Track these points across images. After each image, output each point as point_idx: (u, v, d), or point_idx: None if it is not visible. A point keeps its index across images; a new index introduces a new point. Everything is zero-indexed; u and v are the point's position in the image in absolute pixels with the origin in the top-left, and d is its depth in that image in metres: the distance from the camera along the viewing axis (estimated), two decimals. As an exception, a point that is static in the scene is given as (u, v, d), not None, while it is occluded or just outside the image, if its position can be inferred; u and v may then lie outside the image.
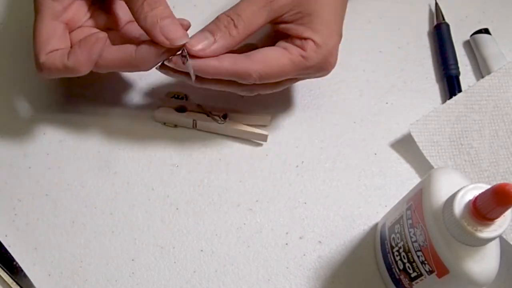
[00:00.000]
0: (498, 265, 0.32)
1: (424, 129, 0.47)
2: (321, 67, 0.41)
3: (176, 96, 0.48)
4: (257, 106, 0.48)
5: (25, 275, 0.40)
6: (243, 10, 0.40)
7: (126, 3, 0.40)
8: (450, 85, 0.50)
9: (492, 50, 0.51)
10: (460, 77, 0.50)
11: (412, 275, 0.36)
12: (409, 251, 0.36)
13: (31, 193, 0.44)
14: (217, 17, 0.40)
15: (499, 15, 0.54)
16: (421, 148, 0.46)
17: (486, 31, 0.52)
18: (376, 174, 0.46)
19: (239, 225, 0.44)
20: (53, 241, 0.42)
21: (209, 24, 0.40)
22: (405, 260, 0.37)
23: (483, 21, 0.54)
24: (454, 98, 0.48)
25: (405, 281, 0.38)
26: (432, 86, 0.51)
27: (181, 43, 0.38)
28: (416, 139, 0.46)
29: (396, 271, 0.39)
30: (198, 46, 0.39)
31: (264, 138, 0.46)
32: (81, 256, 0.42)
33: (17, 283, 0.40)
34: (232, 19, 0.39)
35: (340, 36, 0.42)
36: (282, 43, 0.41)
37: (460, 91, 0.49)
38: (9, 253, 0.41)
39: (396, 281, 0.39)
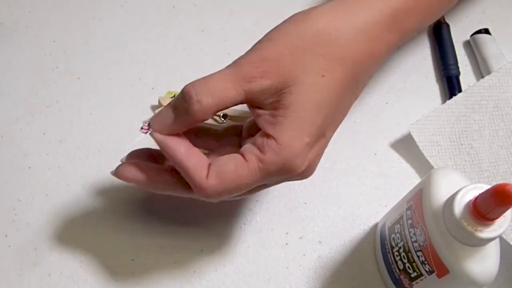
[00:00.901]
0: (498, 265, 0.32)
1: (424, 129, 0.47)
2: (285, 172, 0.34)
3: (175, 96, 0.48)
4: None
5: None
6: (214, 83, 0.34)
7: None
8: (450, 85, 0.50)
9: (492, 50, 0.51)
10: (460, 77, 0.50)
11: (412, 275, 0.36)
12: (409, 251, 0.36)
13: (31, 193, 0.44)
14: (182, 89, 0.34)
15: (499, 15, 0.54)
16: (421, 148, 0.46)
17: (486, 31, 0.52)
18: (376, 174, 0.46)
19: (239, 225, 0.44)
20: (53, 241, 0.42)
21: (175, 97, 0.36)
22: (405, 260, 0.37)
23: (483, 21, 0.54)
24: (454, 98, 0.48)
25: (405, 281, 0.38)
26: (432, 86, 0.51)
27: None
28: (416, 139, 0.46)
29: (396, 271, 0.39)
30: (155, 126, 0.35)
31: None
32: (81, 256, 0.42)
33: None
34: (196, 94, 0.33)
35: (315, 139, 0.35)
36: (245, 145, 0.35)
37: (460, 91, 0.49)
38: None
39: (396, 281, 0.39)
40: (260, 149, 0.34)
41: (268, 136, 0.34)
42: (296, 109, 0.34)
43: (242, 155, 0.34)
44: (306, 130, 0.34)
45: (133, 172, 0.36)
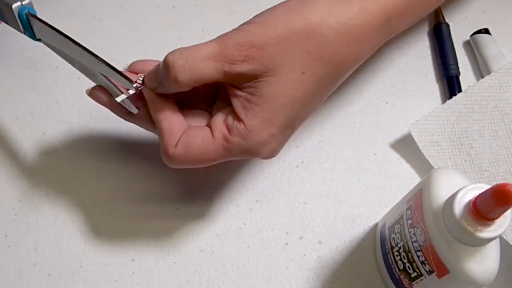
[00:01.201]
0: (498, 265, 0.32)
1: (424, 129, 0.47)
2: (248, 155, 0.36)
3: None
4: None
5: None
6: (195, 59, 0.34)
7: None
8: (450, 85, 0.50)
9: (492, 50, 0.51)
10: (460, 77, 0.50)
11: (412, 275, 0.36)
12: (409, 251, 0.36)
13: (31, 193, 0.44)
14: (165, 57, 0.35)
15: (499, 15, 0.54)
16: (421, 148, 0.46)
17: (486, 31, 0.52)
18: (376, 174, 0.46)
19: (239, 225, 0.44)
20: (53, 241, 0.42)
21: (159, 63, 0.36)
22: (405, 260, 0.37)
23: (483, 21, 0.54)
24: (454, 98, 0.48)
25: (405, 281, 0.38)
26: (432, 86, 0.51)
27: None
28: (416, 139, 0.46)
29: (396, 271, 0.39)
30: (148, 84, 0.36)
31: None
32: (81, 256, 0.42)
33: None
34: (174, 68, 0.34)
35: (283, 130, 0.36)
36: (215, 118, 0.36)
37: (460, 91, 0.49)
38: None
39: (396, 281, 0.39)
40: (229, 129, 0.35)
41: (238, 119, 0.35)
42: (270, 101, 0.34)
43: (211, 129, 0.36)
44: (276, 122, 0.35)
45: (102, 96, 0.39)
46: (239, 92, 0.35)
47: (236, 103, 0.35)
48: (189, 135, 0.36)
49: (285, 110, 0.35)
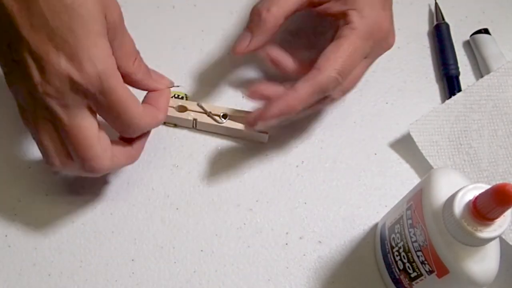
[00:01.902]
0: (498, 265, 0.32)
1: (423, 129, 0.47)
2: (374, 33, 0.41)
3: (176, 96, 0.48)
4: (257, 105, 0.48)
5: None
6: None
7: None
8: (450, 85, 0.50)
9: (491, 50, 0.51)
10: (460, 77, 0.50)
11: (412, 275, 0.36)
12: (409, 251, 0.36)
13: (31, 193, 0.44)
14: (251, 10, 0.41)
15: (499, 15, 0.54)
16: (420, 148, 0.46)
17: (486, 31, 0.52)
18: (376, 174, 0.46)
19: (239, 225, 0.44)
20: (53, 241, 0.42)
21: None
22: (405, 260, 0.37)
23: (483, 21, 0.54)
24: (453, 98, 0.48)
25: (405, 281, 0.38)
26: (432, 86, 0.51)
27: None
28: (415, 139, 0.46)
29: (396, 271, 0.39)
30: (239, 49, 0.42)
31: (264, 138, 0.46)
32: (81, 256, 0.42)
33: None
34: (263, 6, 0.41)
35: (384, 6, 0.42)
36: (336, 36, 0.41)
37: (460, 91, 0.49)
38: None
39: (396, 281, 0.39)
40: (348, 23, 0.40)
41: (346, 12, 0.41)
42: None
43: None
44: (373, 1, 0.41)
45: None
46: (329, 4, 0.42)
47: (333, 8, 0.41)
48: (325, 55, 0.40)
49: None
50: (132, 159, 0.40)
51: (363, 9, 0.40)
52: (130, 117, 0.37)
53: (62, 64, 0.33)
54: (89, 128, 0.35)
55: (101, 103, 0.35)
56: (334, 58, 0.39)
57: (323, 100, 0.41)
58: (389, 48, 0.44)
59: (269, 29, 0.41)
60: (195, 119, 0.46)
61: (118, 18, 0.36)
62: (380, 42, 0.42)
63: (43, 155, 0.37)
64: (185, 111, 0.46)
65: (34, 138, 0.37)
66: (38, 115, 0.35)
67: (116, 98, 0.35)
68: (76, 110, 0.34)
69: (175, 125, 0.47)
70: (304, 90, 0.39)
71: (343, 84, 0.40)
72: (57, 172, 0.38)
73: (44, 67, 0.33)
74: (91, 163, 0.36)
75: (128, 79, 0.39)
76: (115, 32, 0.36)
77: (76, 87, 0.33)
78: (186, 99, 0.48)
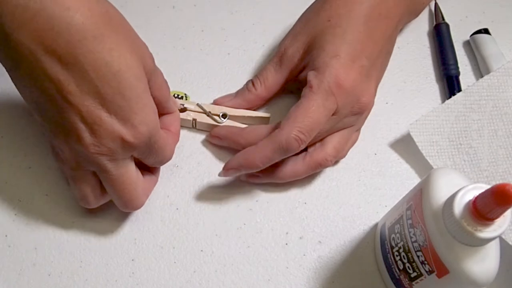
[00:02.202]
0: (498, 265, 0.32)
1: (423, 129, 0.47)
2: (332, 92, 0.40)
3: (175, 96, 0.48)
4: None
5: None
6: (264, 70, 0.46)
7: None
8: (450, 85, 0.50)
9: (492, 50, 0.51)
10: (460, 77, 0.50)
11: (412, 275, 0.36)
12: (409, 251, 0.36)
13: (31, 193, 0.44)
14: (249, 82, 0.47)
15: (499, 15, 0.54)
16: (420, 148, 0.46)
17: (486, 31, 0.52)
18: (376, 174, 0.46)
19: (239, 225, 0.44)
20: (53, 241, 0.42)
21: None
22: (405, 260, 0.37)
23: (483, 21, 0.54)
24: (453, 98, 0.48)
25: (405, 281, 0.38)
26: (432, 86, 0.51)
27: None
28: (415, 139, 0.46)
29: (396, 271, 0.39)
30: (219, 101, 0.47)
31: None
32: (81, 256, 0.42)
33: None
34: (252, 81, 0.46)
35: (349, 57, 0.41)
36: None
37: (460, 91, 0.49)
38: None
39: (396, 281, 0.39)
40: (308, 83, 0.42)
41: (306, 76, 0.42)
42: (320, 45, 0.43)
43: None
44: (334, 53, 0.42)
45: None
46: (305, 71, 0.43)
47: (306, 74, 0.43)
48: (290, 113, 0.41)
49: (338, 40, 0.42)
50: (155, 184, 0.43)
51: (319, 67, 0.41)
52: (167, 155, 0.41)
53: (115, 127, 0.35)
54: (132, 173, 0.38)
55: (145, 152, 0.38)
56: (294, 117, 0.40)
57: (315, 168, 0.43)
58: (364, 109, 0.43)
59: (253, 100, 0.46)
60: (194, 119, 0.46)
61: (152, 63, 0.38)
62: (347, 99, 0.41)
63: (77, 196, 0.40)
64: (185, 111, 0.46)
65: (69, 179, 0.39)
66: (81, 166, 0.37)
67: (159, 146, 0.39)
68: (123, 162, 0.37)
69: None
70: (265, 147, 0.40)
71: (306, 140, 0.40)
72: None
73: (97, 130, 0.34)
74: (133, 204, 0.39)
75: (160, 107, 0.41)
76: (151, 74, 0.38)
77: (128, 145, 0.36)
78: (186, 99, 0.48)
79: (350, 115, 0.43)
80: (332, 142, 0.43)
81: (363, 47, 0.42)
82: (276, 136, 0.40)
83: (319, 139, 0.43)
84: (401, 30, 0.53)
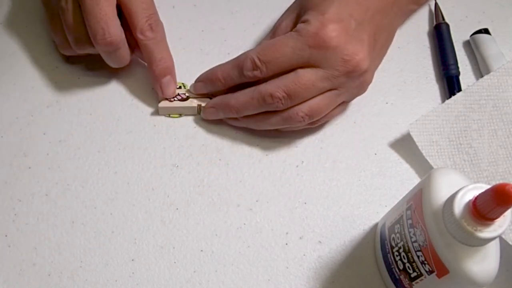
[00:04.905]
0: (498, 265, 0.32)
1: (423, 129, 0.47)
2: (307, 41, 0.41)
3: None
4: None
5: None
6: (258, 45, 0.46)
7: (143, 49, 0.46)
8: (450, 85, 0.50)
9: (492, 50, 0.51)
10: (460, 77, 0.50)
11: (412, 275, 0.36)
12: (409, 251, 0.36)
13: (31, 193, 0.44)
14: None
15: (499, 15, 0.54)
16: (420, 148, 0.46)
17: (486, 31, 0.52)
18: (376, 174, 0.46)
19: (239, 225, 0.44)
20: (53, 241, 0.42)
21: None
22: (405, 260, 0.37)
23: (483, 21, 0.54)
24: (453, 97, 0.48)
25: (405, 281, 0.38)
26: (432, 86, 0.51)
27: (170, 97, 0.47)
28: (415, 139, 0.46)
29: (396, 271, 0.39)
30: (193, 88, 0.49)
31: None
32: (81, 256, 0.42)
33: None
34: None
35: (336, 16, 0.42)
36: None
37: (460, 91, 0.49)
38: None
39: (396, 281, 0.39)
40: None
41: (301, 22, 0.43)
42: (311, 5, 0.44)
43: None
44: (324, 10, 0.43)
45: None
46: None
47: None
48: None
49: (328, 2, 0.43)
50: (149, 49, 0.46)
51: (306, 21, 0.43)
52: (94, 28, 0.43)
53: None
54: (106, 7, 0.42)
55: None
56: (261, 45, 0.43)
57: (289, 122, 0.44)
58: (352, 69, 0.42)
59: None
60: (199, 105, 0.46)
61: None
62: (327, 53, 0.42)
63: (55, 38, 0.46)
64: (188, 99, 0.47)
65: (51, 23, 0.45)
66: None
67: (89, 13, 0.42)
68: None
69: (180, 115, 0.48)
70: (227, 63, 0.45)
71: (262, 69, 0.42)
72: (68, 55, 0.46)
73: None
74: (105, 38, 0.42)
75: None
76: None
77: None
78: (184, 88, 0.48)
79: (339, 75, 0.42)
80: (311, 100, 0.43)
81: (351, 10, 0.43)
82: (240, 56, 0.44)
83: (307, 98, 0.43)
84: (401, 30, 0.53)
